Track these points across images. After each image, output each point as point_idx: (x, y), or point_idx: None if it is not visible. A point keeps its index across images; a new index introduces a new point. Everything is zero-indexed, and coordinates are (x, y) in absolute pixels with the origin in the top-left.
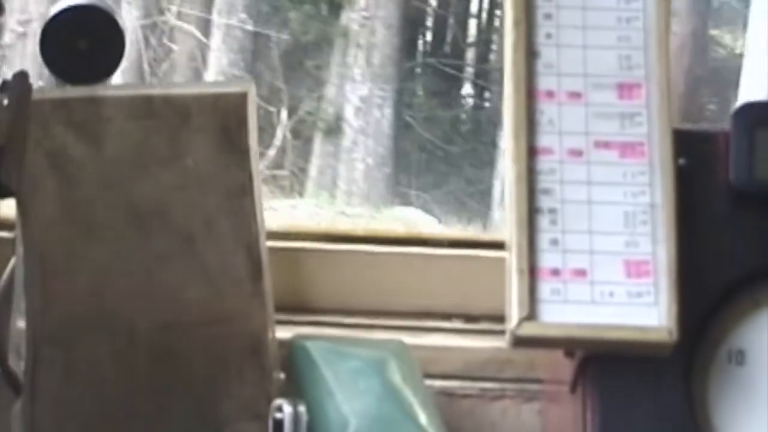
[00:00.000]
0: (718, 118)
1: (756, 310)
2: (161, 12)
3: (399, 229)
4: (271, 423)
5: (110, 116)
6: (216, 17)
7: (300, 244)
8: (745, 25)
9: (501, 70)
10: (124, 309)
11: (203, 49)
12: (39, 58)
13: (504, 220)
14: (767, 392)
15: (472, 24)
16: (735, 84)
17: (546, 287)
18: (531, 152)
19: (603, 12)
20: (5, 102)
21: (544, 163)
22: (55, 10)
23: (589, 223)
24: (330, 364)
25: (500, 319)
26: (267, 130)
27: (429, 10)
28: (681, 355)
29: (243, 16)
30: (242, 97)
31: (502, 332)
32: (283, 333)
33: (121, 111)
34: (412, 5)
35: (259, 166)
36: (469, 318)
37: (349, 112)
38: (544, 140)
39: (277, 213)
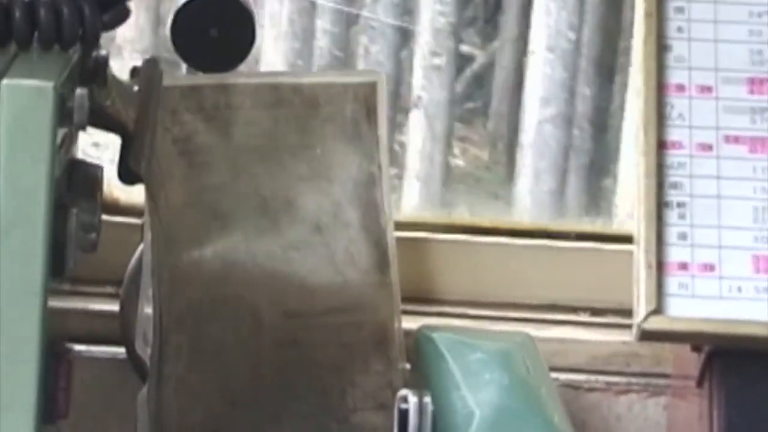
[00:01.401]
0: None
1: None
2: None
3: (525, 222)
4: (396, 413)
5: (239, 104)
6: None
7: (427, 235)
8: None
9: None
10: (250, 296)
11: None
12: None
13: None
14: None
15: None
16: None
17: (674, 281)
18: (660, 146)
19: (734, 6)
20: (135, 88)
21: (673, 157)
22: None
23: (717, 218)
24: (456, 356)
25: (626, 312)
26: None
27: None
28: None
29: None
30: (372, 87)
31: (628, 326)
32: (409, 323)
33: (249, 99)
34: None
35: (388, 157)
36: (595, 311)
37: None
38: (673, 134)
39: None
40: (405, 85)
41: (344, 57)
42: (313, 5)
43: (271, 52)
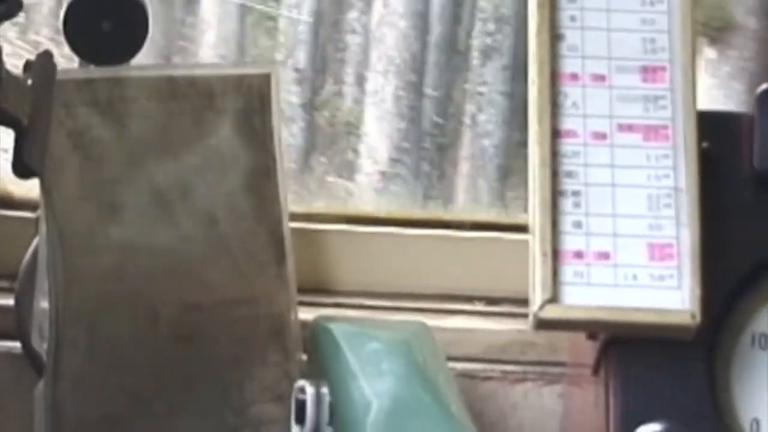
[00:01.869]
0: None
1: None
2: None
3: (420, 211)
4: (293, 404)
5: (134, 97)
6: None
7: (323, 226)
8: None
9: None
10: (146, 289)
11: None
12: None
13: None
14: None
15: None
16: None
17: (569, 270)
18: (555, 135)
19: None
20: (29, 82)
21: (567, 146)
22: None
23: (612, 206)
24: (352, 346)
25: (522, 302)
26: None
27: None
28: (704, 339)
29: None
30: (266, 78)
31: (524, 315)
32: (305, 315)
33: (144, 91)
34: None
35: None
36: (491, 301)
37: None
38: (567, 123)
39: None
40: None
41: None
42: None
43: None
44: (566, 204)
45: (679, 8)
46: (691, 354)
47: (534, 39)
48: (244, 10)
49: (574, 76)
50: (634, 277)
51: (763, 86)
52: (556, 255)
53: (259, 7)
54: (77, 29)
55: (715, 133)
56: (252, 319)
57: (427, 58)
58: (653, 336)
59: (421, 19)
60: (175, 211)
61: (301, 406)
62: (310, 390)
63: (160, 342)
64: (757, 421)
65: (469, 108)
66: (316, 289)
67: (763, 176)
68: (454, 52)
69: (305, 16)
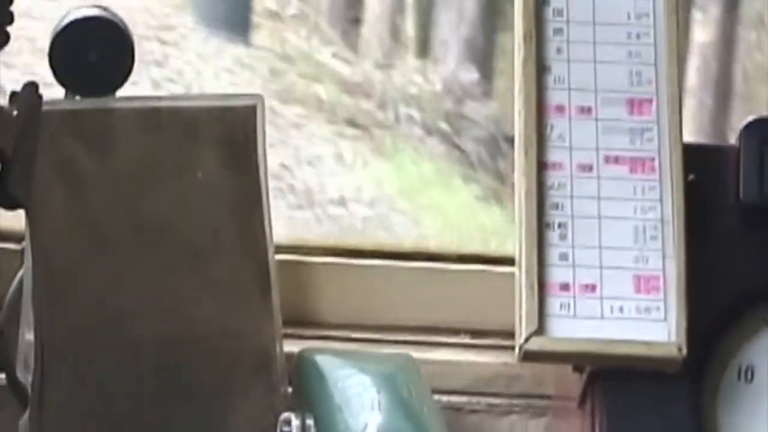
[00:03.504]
0: None
1: (765, 327)
2: None
3: (407, 244)
4: None
5: (119, 128)
6: None
7: (308, 258)
8: None
9: None
10: (131, 322)
11: None
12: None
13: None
14: None
15: None
16: None
17: (555, 302)
18: (541, 167)
19: (614, 27)
20: (14, 113)
21: (553, 177)
22: (64, 21)
23: (599, 238)
24: (338, 378)
25: (508, 334)
26: None
27: None
28: (690, 371)
29: None
30: (251, 110)
31: (510, 348)
32: (291, 347)
33: (129, 123)
34: None
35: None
36: (476, 333)
37: None
38: (554, 155)
39: None
40: None
41: None
42: None
43: None
44: (552, 236)
45: (666, 41)
46: (677, 386)
47: (520, 71)
48: None
49: (561, 108)
50: (621, 309)
51: (749, 118)
52: (542, 287)
53: None
54: (63, 60)
55: (701, 165)
56: (236, 352)
57: None
58: (639, 368)
59: None
60: (159, 243)
61: None
62: (295, 422)
63: (144, 374)
64: None
65: None
66: (302, 321)
67: (749, 208)
68: None
69: None
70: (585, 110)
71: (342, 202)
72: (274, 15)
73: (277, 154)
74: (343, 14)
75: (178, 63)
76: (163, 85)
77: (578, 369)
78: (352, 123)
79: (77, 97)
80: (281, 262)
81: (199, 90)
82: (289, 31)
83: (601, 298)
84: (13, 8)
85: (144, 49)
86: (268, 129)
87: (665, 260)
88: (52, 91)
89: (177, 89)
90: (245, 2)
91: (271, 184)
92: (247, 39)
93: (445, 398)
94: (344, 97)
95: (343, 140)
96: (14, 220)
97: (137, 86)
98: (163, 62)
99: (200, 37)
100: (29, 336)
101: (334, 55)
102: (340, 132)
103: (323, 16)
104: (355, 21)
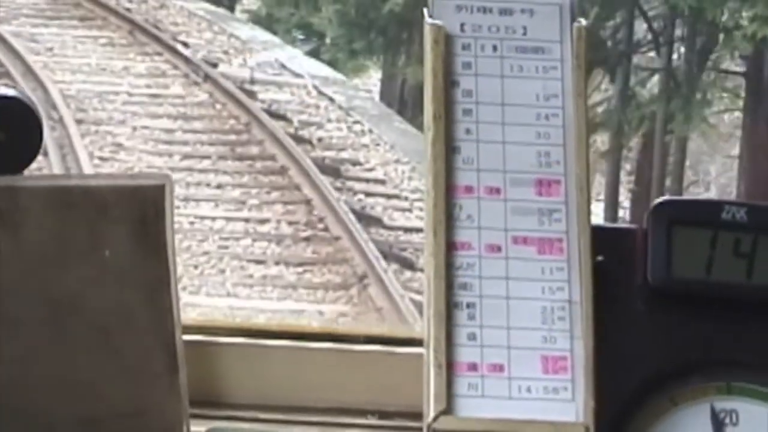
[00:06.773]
0: None
1: (673, 408)
2: None
3: (313, 325)
4: None
5: (28, 206)
6: None
7: (215, 339)
8: None
9: None
10: (41, 402)
11: None
12: None
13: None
14: None
15: None
16: None
17: (463, 382)
18: (450, 247)
19: (522, 108)
20: None
21: (462, 258)
22: None
23: (507, 319)
24: None
25: (415, 415)
26: None
27: None
28: None
29: None
30: (160, 190)
31: (417, 429)
32: (197, 427)
33: (38, 201)
34: None
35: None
36: (384, 414)
37: None
38: (462, 235)
39: None
40: None
41: None
42: None
43: None
44: (461, 316)
45: (574, 123)
46: None
47: (429, 151)
48: None
49: (470, 189)
50: (528, 389)
51: (657, 200)
52: (450, 367)
53: None
54: None
55: (609, 246)
56: (144, 431)
57: None
58: None
59: None
60: (68, 322)
61: None
62: None
63: None
64: None
65: None
66: (209, 401)
67: (657, 289)
68: None
69: None
70: (494, 191)
71: None
72: None
73: None
74: None
75: None
76: None
77: None
78: None
79: None
80: (188, 342)
81: None
82: None
83: (510, 378)
84: None
85: None
86: None
87: (573, 341)
88: None
89: None
90: None
91: None
92: None
93: None
94: None
95: None
96: None
97: None
98: None
99: None
100: None
101: None
102: None
103: None
104: None
